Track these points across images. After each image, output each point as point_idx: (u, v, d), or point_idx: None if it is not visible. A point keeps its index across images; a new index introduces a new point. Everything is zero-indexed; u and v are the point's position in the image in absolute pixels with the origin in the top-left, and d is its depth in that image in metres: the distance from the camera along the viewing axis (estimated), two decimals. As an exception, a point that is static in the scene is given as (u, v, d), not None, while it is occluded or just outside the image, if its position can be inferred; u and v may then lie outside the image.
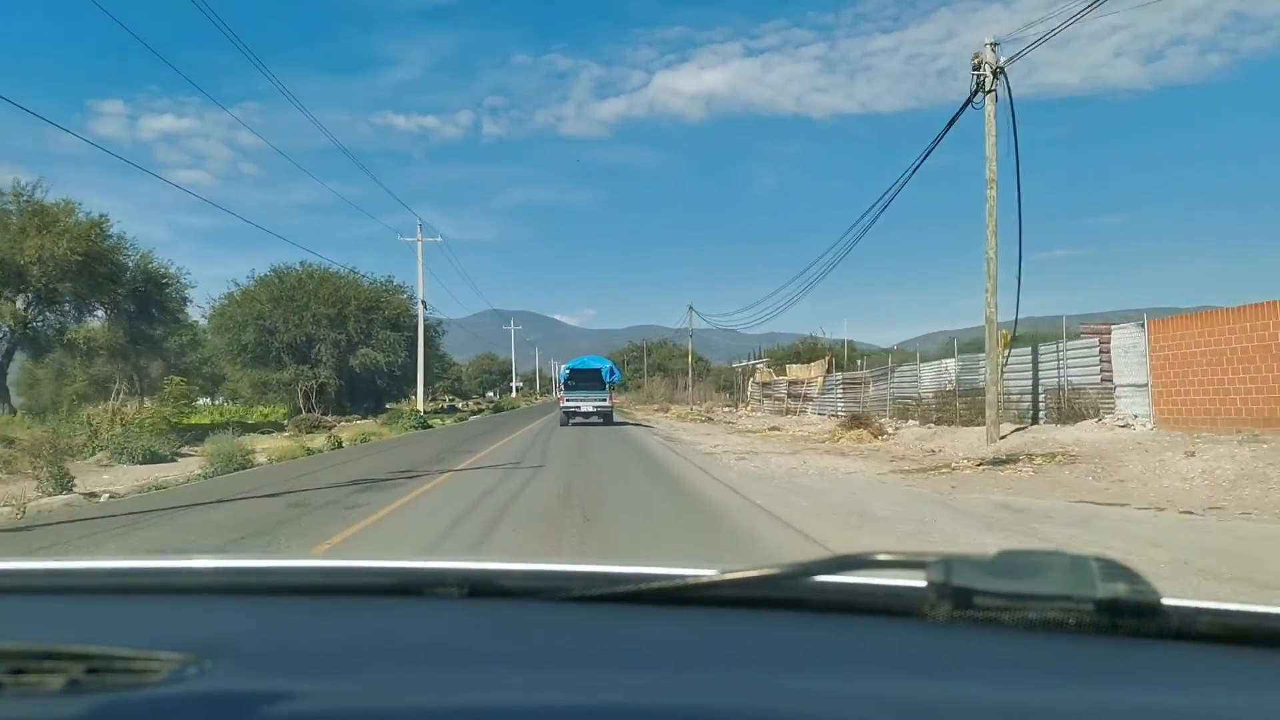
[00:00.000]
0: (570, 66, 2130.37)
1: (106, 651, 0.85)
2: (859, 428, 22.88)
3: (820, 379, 39.78)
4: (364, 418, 42.38)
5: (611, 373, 34.16)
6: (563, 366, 36.40)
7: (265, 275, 48.36)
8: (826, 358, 42.34)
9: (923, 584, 0.97)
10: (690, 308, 61.65)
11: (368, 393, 49.92)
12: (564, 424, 31.30)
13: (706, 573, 1.10)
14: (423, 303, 47.85)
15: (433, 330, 55.79)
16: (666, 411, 54.12)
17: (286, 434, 30.23)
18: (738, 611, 1.09)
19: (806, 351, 56.39)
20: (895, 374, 29.73)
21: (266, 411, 53.70)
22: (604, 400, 32.50)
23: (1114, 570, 0.93)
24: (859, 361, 39.46)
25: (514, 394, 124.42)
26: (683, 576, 1.11)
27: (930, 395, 25.50)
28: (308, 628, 1.08)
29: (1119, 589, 0.92)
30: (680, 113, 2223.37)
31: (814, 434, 25.42)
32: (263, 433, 30.78)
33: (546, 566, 1.24)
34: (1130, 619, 0.93)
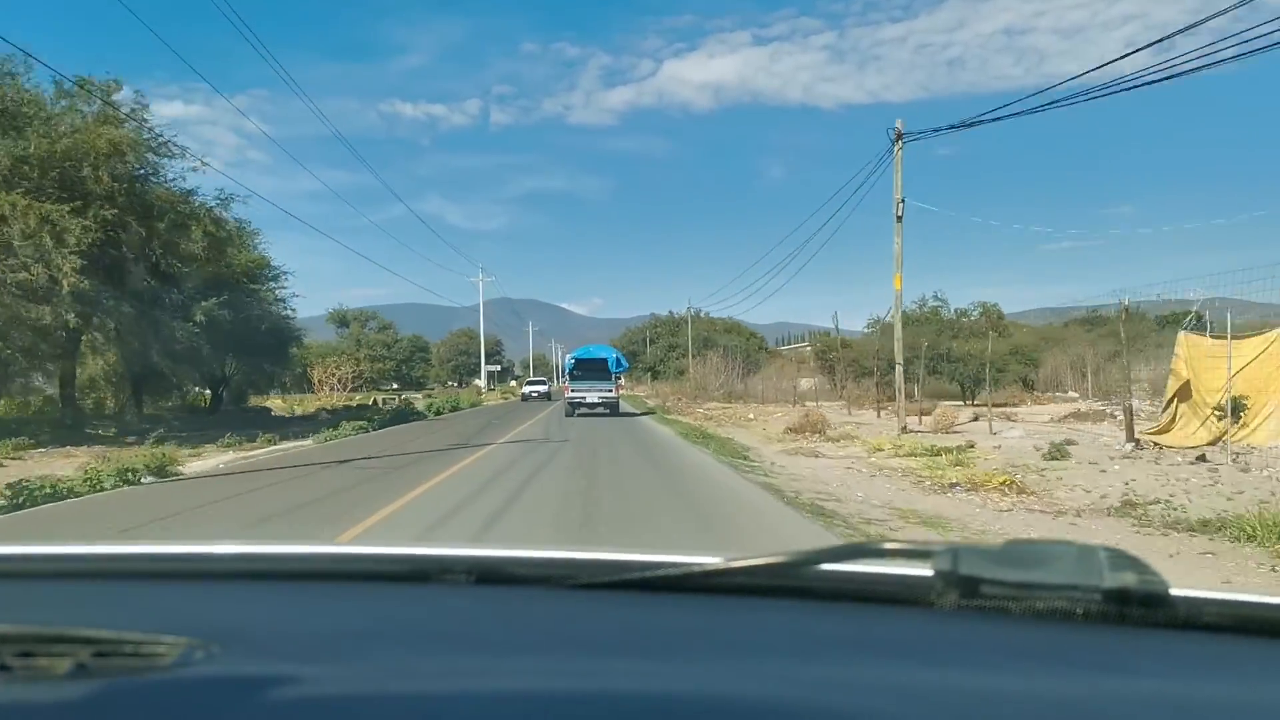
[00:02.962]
0: (579, 55, 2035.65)
1: (114, 636, 0.85)
2: None
3: None
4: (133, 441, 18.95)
5: (618, 362, 33.89)
6: (568, 356, 36.02)
7: None
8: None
9: (930, 573, 0.97)
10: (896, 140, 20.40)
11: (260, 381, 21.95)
12: (569, 415, 30.75)
13: (713, 560, 1.10)
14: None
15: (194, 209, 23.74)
16: (822, 434, 20.13)
17: None
18: (745, 599, 1.09)
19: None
20: None
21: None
22: (610, 391, 32.22)
23: (1121, 560, 0.93)
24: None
25: (482, 385, 76.73)
26: (690, 564, 1.11)
27: None
28: (316, 613, 1.08)
29: (1126, 578, 0.91)
30: (689, 101, 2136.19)
31: None
32: None
33: (554, 554, 1.23)
34: (1138, 608, 0.93)
